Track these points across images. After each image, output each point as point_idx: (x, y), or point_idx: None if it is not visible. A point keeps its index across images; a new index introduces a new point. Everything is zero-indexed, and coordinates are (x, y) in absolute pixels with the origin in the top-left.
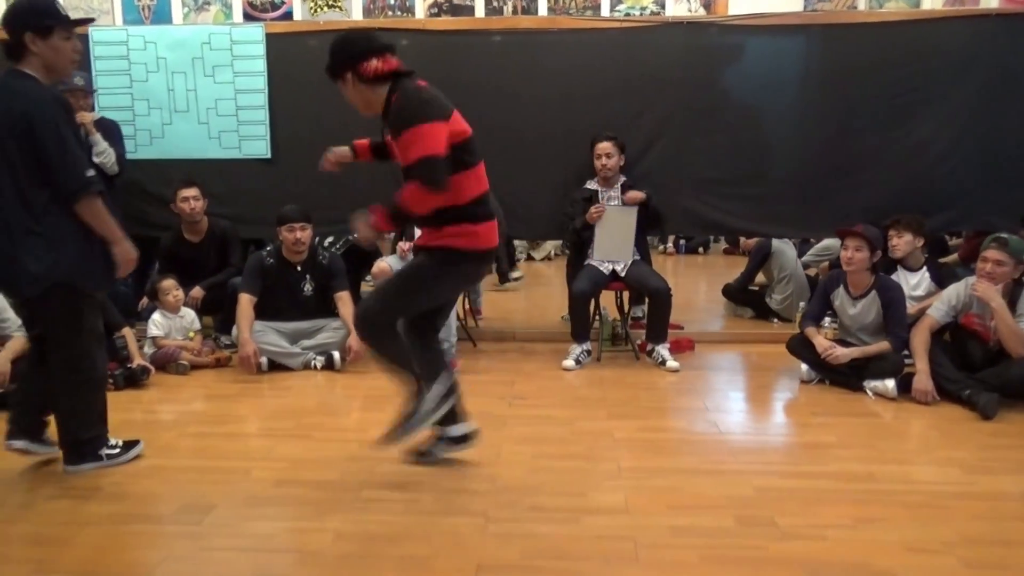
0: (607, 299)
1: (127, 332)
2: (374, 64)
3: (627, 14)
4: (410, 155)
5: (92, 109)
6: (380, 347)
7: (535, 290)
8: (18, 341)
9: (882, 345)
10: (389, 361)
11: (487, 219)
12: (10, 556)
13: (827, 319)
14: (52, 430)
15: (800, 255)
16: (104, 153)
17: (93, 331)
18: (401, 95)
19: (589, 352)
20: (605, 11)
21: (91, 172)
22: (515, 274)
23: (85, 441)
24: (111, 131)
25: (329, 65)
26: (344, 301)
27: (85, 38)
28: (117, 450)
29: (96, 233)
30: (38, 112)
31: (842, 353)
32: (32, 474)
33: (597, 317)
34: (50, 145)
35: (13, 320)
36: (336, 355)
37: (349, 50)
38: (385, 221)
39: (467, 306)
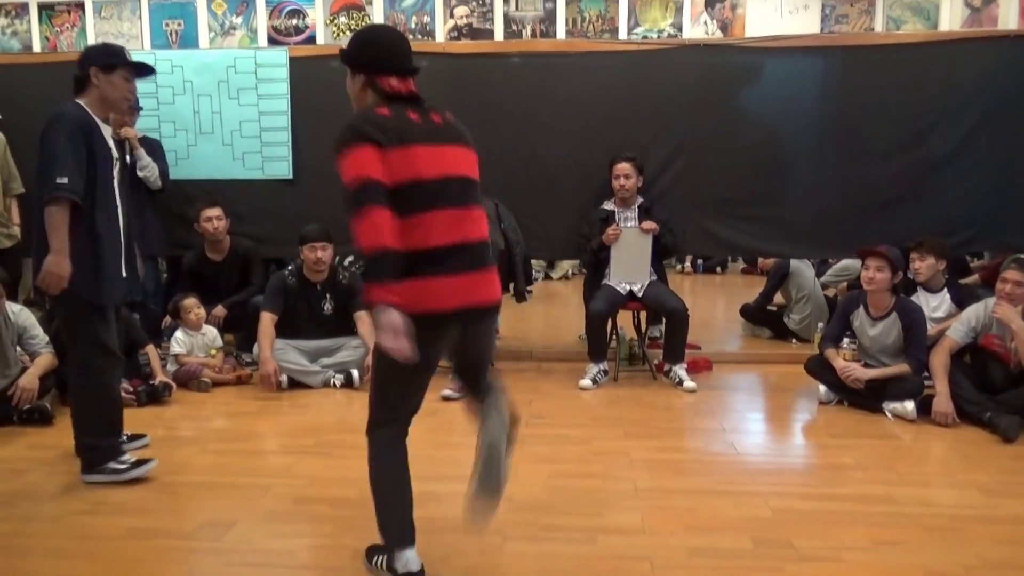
0: (624, 319)
1: (150, 349)
2: (394, 82)
3: (644, 37)
4: (343, 181)
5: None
6: (370, 461)
7: (552, 309)
8: (45, 358)
9: (901, 367)
10: (373, 486)
11: (438, 275)
12: (37, 570)
13: (846, 340)
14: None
15: (819, 275)
16: (148, 167)
17: (96, 341)
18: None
19: (606, 372)
20: (623, 34)
21: (65, 180)
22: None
23: (91, 448)
24: (154, 148)
25: (353, 54)
26: (363, 320)
27: None
28: (125, 465)
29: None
30: (49, 124)
31: (861, 373)
32: (58, 490)
33: (614, 337)
34: (42, 152)
35: (41, 337)
36: (355, 373)
37: (370, 50)
38: (373, 290)
39: None
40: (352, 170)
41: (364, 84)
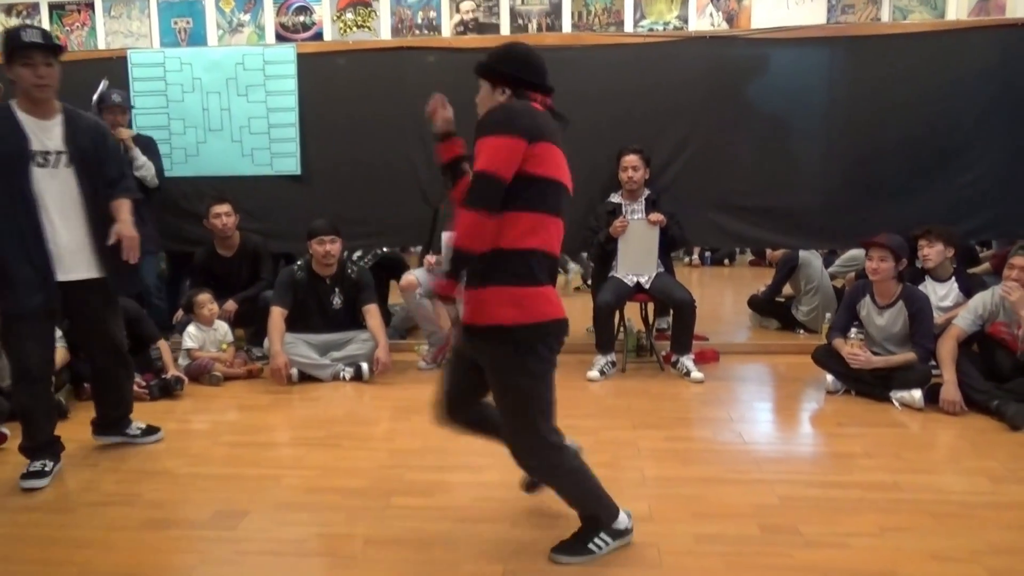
0: (632, 310)
1: (162, 344)
2: (538, 97)
3: (650, 29)
4: (474, 167)
5: (129, 125)
6: (554, 474)
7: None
8: (60, 352)
9: (907, 356)
10: (576, 491)
11: (538, 284)
12: (55, 559)
13: (853, 329)
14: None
15: (826, 266)
16: (144, 167)
17: (13, 356)
18: (500, 104)
19: (614, 363)
20: (628, 27)
21: None
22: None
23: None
24: (148, 146)
25: (484, 64)
26: (372, 314)
27: (124, 60)
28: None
29: None
30: None
31: (866, 359)
32: (74, 481)
33: (622, 328)
34: None
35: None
36: (364, 366)
37: (519, 66)
38: (444, 284)
39: None
40: (495, 161)
41: (509, 99)
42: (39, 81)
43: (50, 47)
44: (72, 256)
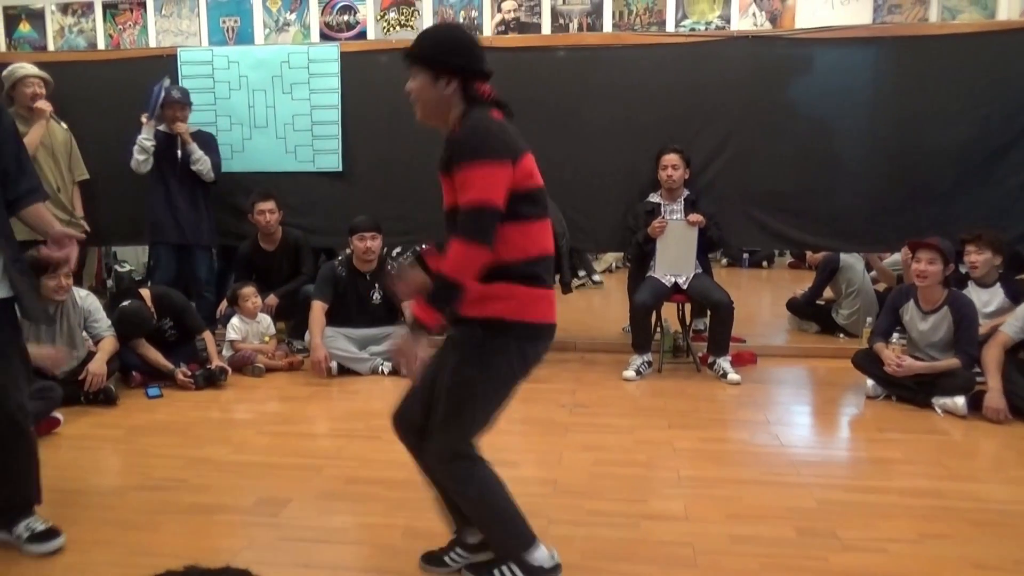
0: (668, 311)
1: (207, 335)
2: (486, 87)
3: (692, 29)
4: (464, 198)
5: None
6: (465, 483)
7: (596, 301)
8: (109, 341)
9: (951, 362)
10: (479, 509)
11: (539, 286)
12: (106, 539)
13: (895, 335)
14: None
15: (868, 269)
16: (200, 161)
17: None
18: (470, 122)
19: (650, 363)
20: (670, 27)
21: None
22: (595, 277)
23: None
24: (208, 142)
25: (423, 53)
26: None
27: (174, 58)
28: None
29: None
30: None
31: (908, 364)
32: (122, 466)
33: (658, 329)
34: None
35: (104, 320)
36: None
37: (465, 54)
38: (427, 311)
39: None
40: (488, 191)
41: (456, 90)
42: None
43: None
44: None
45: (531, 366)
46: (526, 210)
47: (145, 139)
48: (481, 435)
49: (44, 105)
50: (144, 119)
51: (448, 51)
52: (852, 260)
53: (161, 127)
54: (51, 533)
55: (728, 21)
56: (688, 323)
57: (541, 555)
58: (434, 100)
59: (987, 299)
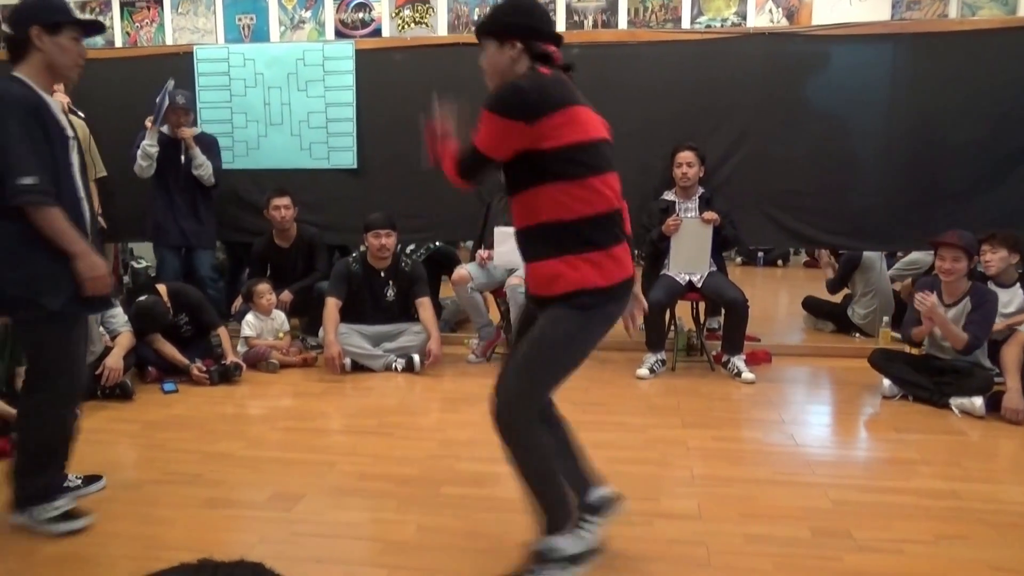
0: (682, 309)
1: (222, 331)
2: (552, 49)
3: (708, 26)
4: (474, 136)
5: (192, 125)
6: (521, 448)
7: None
8: (126, 337)
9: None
10: (533, 470)
11: (601, 248)
12: (123, 533)
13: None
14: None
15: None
16: (202, 166)
17: (58, 359)
18: (516, 78)
19: (664, 362)
20: (686, 23)
21: (32, 180)
22: None
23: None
24: (210, 146)
25: (486, 23)
26: (424, 306)
27: (190, 56)
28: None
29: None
30: None
31: (932, 303)
32: (138, 460)
33: (672, 327)
34: None
35: (121, 316)
36: (416, 358)
37: (524, 14)
38: (440, 150)
39: None
40: (489, 141)
41: (521, 52)
42: (82, 61)
43: (93, 30)
44: None
45: (614, 322)
46: (572, 170)
47: (149, 145)
48: (550, 394)
49: (61, 97)
50: (148, 123)
51: (507, 12)
52: (874, 259)
53: (164, 129)
54: (75, 513)
55: (744, 18)
56: (702, 321)
57: (564, 541)
58: (502, 66)
59: (1007, 299)
